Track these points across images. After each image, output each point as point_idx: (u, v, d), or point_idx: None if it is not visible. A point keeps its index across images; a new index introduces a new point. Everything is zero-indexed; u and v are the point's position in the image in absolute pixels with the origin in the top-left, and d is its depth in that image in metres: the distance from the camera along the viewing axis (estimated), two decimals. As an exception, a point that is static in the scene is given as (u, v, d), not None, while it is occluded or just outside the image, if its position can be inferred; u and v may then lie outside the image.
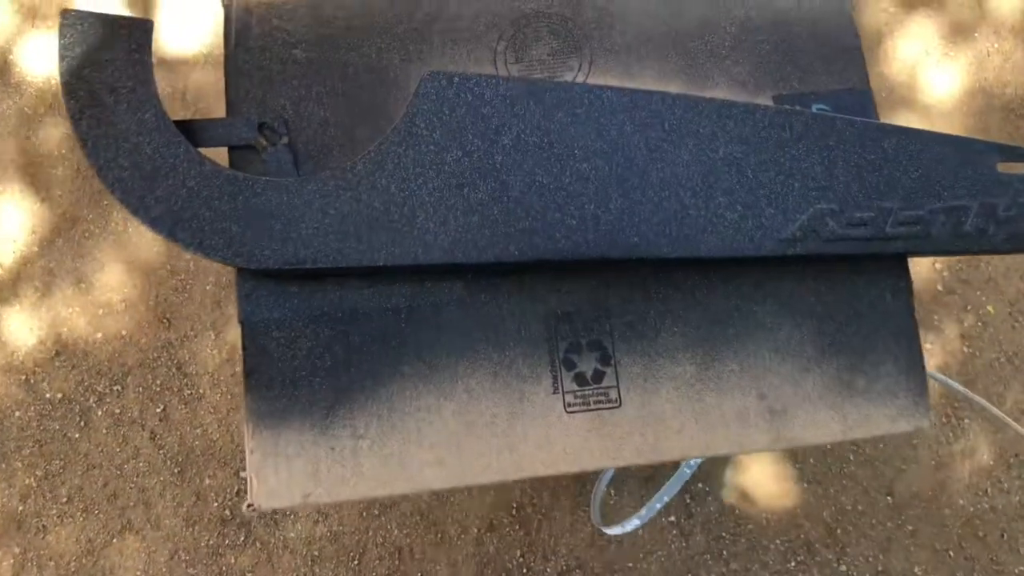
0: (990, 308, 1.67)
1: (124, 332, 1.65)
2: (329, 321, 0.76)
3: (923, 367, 0.77)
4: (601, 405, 0.75)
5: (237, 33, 0.79)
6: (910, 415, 0.76)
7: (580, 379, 0.76)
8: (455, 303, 0.76)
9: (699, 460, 1.09)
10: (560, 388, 0.75)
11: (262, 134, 0.77)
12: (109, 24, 0.72)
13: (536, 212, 0.72)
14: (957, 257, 1.68)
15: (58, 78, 0.73)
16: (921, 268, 1.68)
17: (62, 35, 0.72)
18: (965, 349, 1.66)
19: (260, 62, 0.79)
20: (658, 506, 1.11)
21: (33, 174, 1.68)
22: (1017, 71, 1.76)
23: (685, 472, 1.09)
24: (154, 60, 0.73)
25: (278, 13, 0.80)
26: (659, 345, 0.76)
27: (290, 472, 0.74)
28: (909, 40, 1.78)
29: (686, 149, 0.73)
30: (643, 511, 1.13)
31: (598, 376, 0.76)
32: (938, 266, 1.68)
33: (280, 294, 0.76)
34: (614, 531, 1.19)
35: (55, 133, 1.69)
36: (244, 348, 0.75)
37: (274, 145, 0.77)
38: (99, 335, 1.64)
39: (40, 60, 1.75)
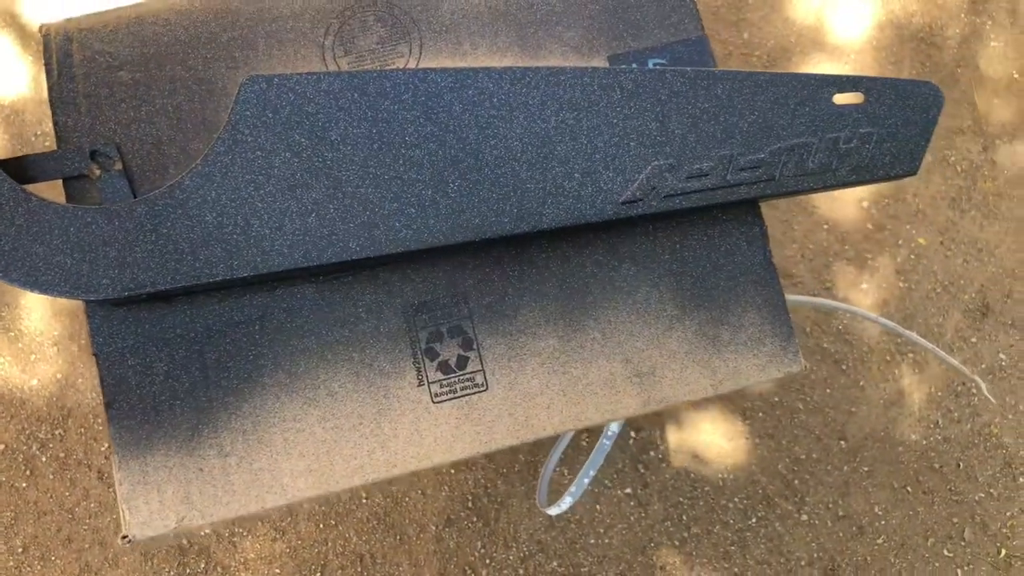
0: (921, 240, 1.66)
1: (59, 375, 1.63)
2: (182, 342, 0.74)
3: (786, 312, 0.76)
4: (468, 391, 0.74)
5: (59, 62, 0.78)
6: (779, 361, 0.75)
7: (444, 367, 0.75)
8: (308, 307, 0.75)
9: (616, 430, 1.08)
10: (425, 379, 0.74)
11: (95, 162, 0.76)
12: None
13: (373, 205, 0.71)
14: (884, 194, 1.67)
15: None
16: (848, 209, 1.67)
17: None
18: (901, 284, 1.65)
19: (85, 89, 0.77)
20: (585, 481, 1.11)
21: (-52, 229, 1.67)
22: (923, 0, 1.75)
23: (604, 444, 1.08)
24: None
25: (99, 37, 0.78)
26: (520, 322, 0.75)
27: (161, 499, 0.73)
28: (813, -18, 1.77)
29: (517, 123, 0.72)
30: (573, 488, 1.12)
31: (462, 362, 0.75)
32: (865, 204, 1.67)
33: (131, 321, 0.75)
34: (553, 511, 1.18)
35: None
36: (101, 380, 0.74)
37: (108, 171, 0.76)
38: (34, 381, 1.63)
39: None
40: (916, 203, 1.67)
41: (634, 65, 0.78)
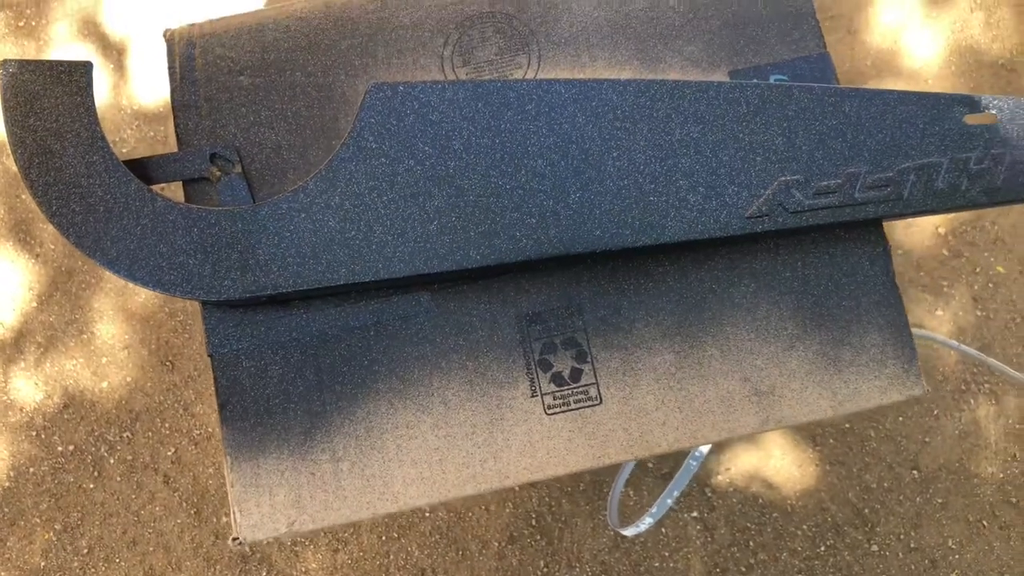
0: (1000, 268, 1.62)
1: (129, 379, 1.65)
2: (298, 346, 0.74)
3: (909, 334, 0.74)
4: (582, 404, 0.74)
5: (181, 66, 0.79)
6: (901, 384, 0.74)
7: (558, 379, 0.74)
8: (423, 314, 0.75)
9: (704, 451, 1.07)
10: (538, 391, 0.74)
11: (215, 164, 0.76)
12: (48, 70, 0.72)
13: (494, 214, 0.71)
14: (961, 220, 1.64)
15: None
16: (924, 235, 1.64)
17: (3, 86, 0.72)
18: (978, 313, 1.61)
19: (207, 93, 0.78)
20: (668, 502, 1.09)
21: (26, 231, 1.69)
22: (1004, 26, 1.72)
23: (691, 464, 1.06)
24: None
25: (221, 42, 0.79)
26: (635, 337, 0.74)
27: (272, 502, 0.72)
28: (890, 5, 1.75)
29: (641, 135, 0.71)
30: (654, 508, 1.11)
31: (576, 375, 0.74)
32: (941, 231, 1.64)
33: (247, 323, 0.75)
34: (629, 532, 1.17)
35: (44, 188, 1.70)
36: (216, 381, 0.74)
37: (227, 174, 0.76)
38: (104, 384, 1.64)
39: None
40: (995, 231, 1.64)
41: (755, 80, 0.77)
